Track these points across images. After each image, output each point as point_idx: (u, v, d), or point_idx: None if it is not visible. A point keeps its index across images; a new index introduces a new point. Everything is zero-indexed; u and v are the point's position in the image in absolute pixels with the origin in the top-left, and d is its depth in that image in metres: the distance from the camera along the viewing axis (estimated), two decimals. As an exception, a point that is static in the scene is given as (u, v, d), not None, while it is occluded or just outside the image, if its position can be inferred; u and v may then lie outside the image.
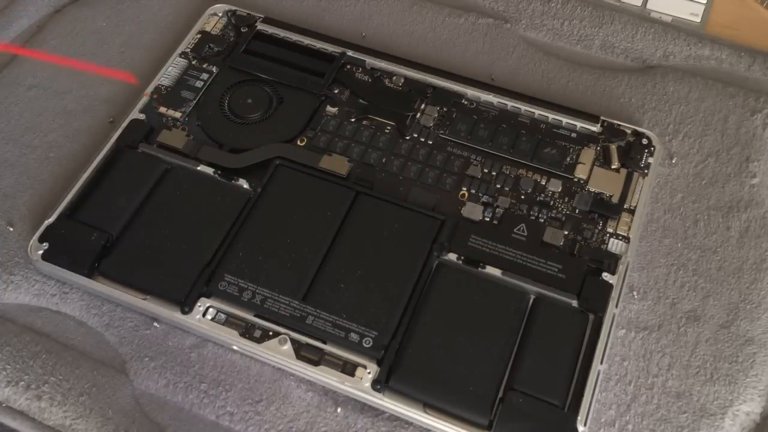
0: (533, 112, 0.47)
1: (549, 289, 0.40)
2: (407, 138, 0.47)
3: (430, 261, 0.41)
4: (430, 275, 0.41)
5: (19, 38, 0.55)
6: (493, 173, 0.45)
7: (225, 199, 0.43)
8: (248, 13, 0.53)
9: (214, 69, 0.50)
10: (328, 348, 0.39)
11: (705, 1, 0.53)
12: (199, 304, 0.40)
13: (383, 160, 0.46)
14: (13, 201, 0.46)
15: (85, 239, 0.42)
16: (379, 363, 0.38)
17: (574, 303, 0.40)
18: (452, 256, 0.42)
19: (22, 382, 0.40)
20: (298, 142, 0.46)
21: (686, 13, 0.53)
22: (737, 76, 0.51)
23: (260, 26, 0.52)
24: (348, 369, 0.39)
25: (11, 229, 0.45)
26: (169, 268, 0.41)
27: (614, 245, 0.42)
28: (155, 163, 0.45)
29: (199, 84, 0.49)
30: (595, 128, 0.46)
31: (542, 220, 0.43)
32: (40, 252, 0.42)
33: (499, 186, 0.44)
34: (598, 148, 0.46)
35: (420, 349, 0.38)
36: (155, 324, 0.42)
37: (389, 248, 0.41)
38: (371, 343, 0.39)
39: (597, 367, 0.38)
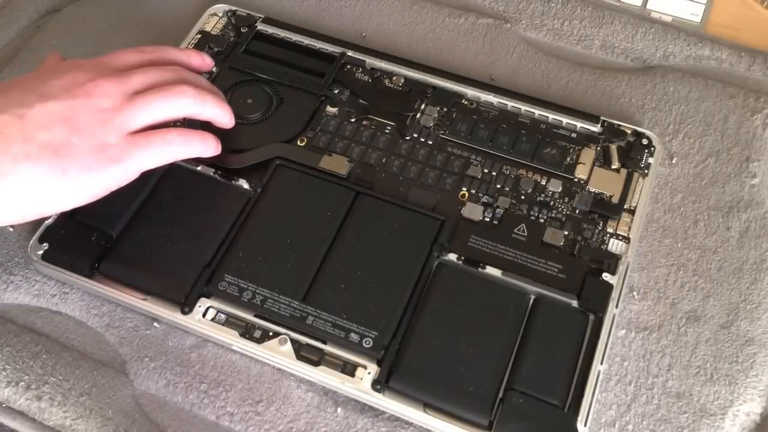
0: (533, 112, 0.47)
1: (549, 289, 0.40)
2: (407, 138, 0.47)
3: (430, 261, 0.41)
4: (430, 275, 0.41)
5: (19, 38, 0.55)
6: (493, 173, 0.45)
7: (225, 199, 0.43)
8: (248, 13, 0.53)
9: (214, 69, 0.50)
10: (328, 348, 0.39)
11: (705, 1, 0.53)
12: (199, 304, 0.40)
13: (383, 160, 0.46)
14: (13, 201, 0.46)
15: (85, 239, 0.42)
16: (379, 363, 0.38)
17: (574, 303, 0.40)
18: (452, 256, 0.42)
19: (22, 383, 0.40)
20: (298, 142, 0.46)
21: (686, 13, 0.53)
22: (737, 76, 0.51)
23: (260, 26, 0.52)
24: (348, 369, 0.39)
25: (11, 229, 0.45)
26: (169, 268, 0.41)
27: (614, 245, 0.42)
28: (155, 163, 0.45)
29: (199, 84, 0.49)
30: (595, 128, 0.46)
31: (542, 220, 0.43)
32: (40, 252, 0.42)
33: (499, 186, 0.44)
34: (598, 148, 0.46)
35: (420, 349, 0.38)
36: (155, 324, 0.42)
37: (389, 248, 0.41)
38: (371, 344, 0.39)
39: (597, 367, 0.38)
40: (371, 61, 0.50)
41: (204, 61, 0.45)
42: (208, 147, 0.41)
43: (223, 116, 0.42)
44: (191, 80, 0.41)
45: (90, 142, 0.36)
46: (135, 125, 0.38)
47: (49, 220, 0.43)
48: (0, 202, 0.35)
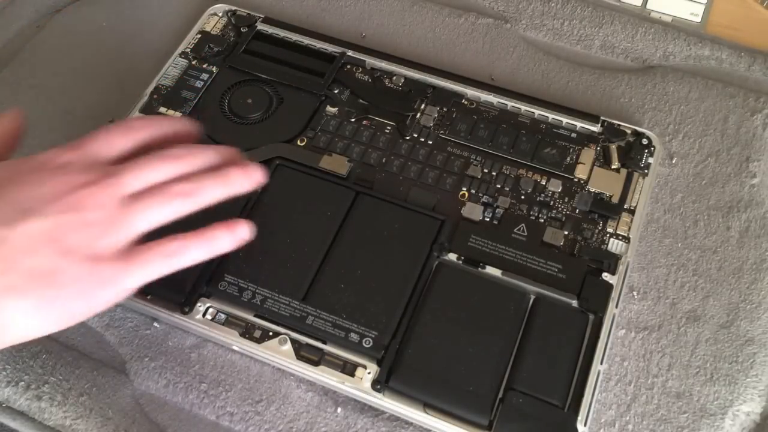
0: (533, 112, 0.47)
1: (549, 289, 0.40)
2: (407, 138, 0.47)
3: (430, 261, 0.41)
4: (430, 275, 0.41)
5: (19, 38, 0.55)
6: (493, 173, 0.45)
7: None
8: (248, 13, 0.53)
9: (214, 69, 0.50)
10: (328, 348, 0.39)
11: (705, 1, 0.53)
12: (199, 304, 0.40)
13: (383, 160, 0.46)
14: (13, 201, 0.46)
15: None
16: (379, 363, 0.38)
17: (574, 303, 0.40)
18: (452, 256, 0.42)
19: (22, 382, 0.40)
20: (298, 142, 0.46)
21: (686, 13, 0.53)
22: (737, 76, 0.51)
23: (260, 26, 0.52)
24: (348, 369, 0.39)
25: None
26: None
27: (614, 245, 0.42)
28: (155, 163, 0.45)
29: (199, 84, 0.49)
30: (595, 128, 0.46)
31: (542, 220, 0.43)
32: (40, 252, 0.42)
33: (499, 186, 0.44)
34: (598, 148, 0.46)
35: (420, 349, 0.38)
36: (155, 324, 0.42)
37: (389, 248, 0.41)
38: (371, 343, 0.39)
39: (597, 367, 0.38)
40: (371, 61, 0.50)
41: (191, 131, 0.39)
42: (216, 247, 0.35)
43: (233, 191, 0.36)
44: (191, 165, 0.35)
45: (81, 265, 0.31)
46: (131, 237, 0.33)
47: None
48: None
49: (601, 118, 0.47)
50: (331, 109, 0.48)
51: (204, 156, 0.36)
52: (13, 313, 0.30)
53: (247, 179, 0.36)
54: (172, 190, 0.34)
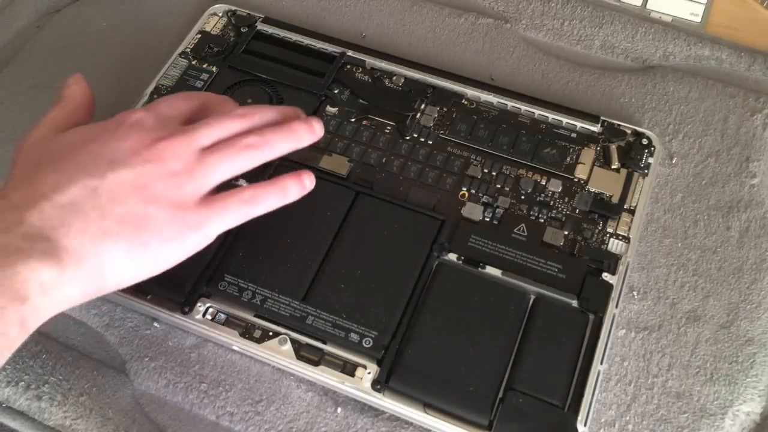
0: (533, 112, 0.47)
1: (549, 289, 0.40)
2: (407, 138, 0.47)
3: (430, 261, 0.41)
4: (430, 275, 0.41)
5: (19, 38, 0.55)
6: (493, 173, 0.45)
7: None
8: (248, 13, 0.53)
9: (214, 69, 0.50)
10: (328, 348, 0.39)
11: (705, 1, 0.53)
12: (199, 304, 0.40)
13: (383, 160, 0.46)
14: (13, 201, 0.46)
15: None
16: (379, 363, 0.39)
17: (574, 303, 0.40)
18: (452, 256, 0.42)
19: (22, 382, 0.40)
20: (298, 142, 0.46)
21: (686, 13, 0.53)
22: (737, 76, 0.51)
23: (260, 26, 0.52)
24: (348, 369, 0.39)
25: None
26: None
27: (614, 245, 0.42)
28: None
29: (199, 84, 0.49)
30: (595, 128, 0.46)
31: (542, 220, 0.43)
32: (40, 252, 0.42)
33: (499, 186, 0.44)
34: (598, 148, 0.46)
35: (420, 349, 0.38)
36: (155, 324, 0.42)
37: (389, 248, 0.41)
38: (371, 343, 0.39)
39: (597, 367, 0.38)
40: (371, 61, 0.50)
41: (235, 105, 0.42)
42: (287, 195, 0.38)
43: (298, 144, 0.39)
44: (256, 122, 0.38)
45: (167, 211, 0.34)
46: (208, 187, 0.36)
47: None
48: (78, 286, 0.32)
49: (601, 118, 0.47)
50: (331, 109, 0.48)
51: (267, 113, 0.39)
52: (111, 257, 0.33)
53: (311, 132, 0.39)
54: (241, 143, 0.37)
